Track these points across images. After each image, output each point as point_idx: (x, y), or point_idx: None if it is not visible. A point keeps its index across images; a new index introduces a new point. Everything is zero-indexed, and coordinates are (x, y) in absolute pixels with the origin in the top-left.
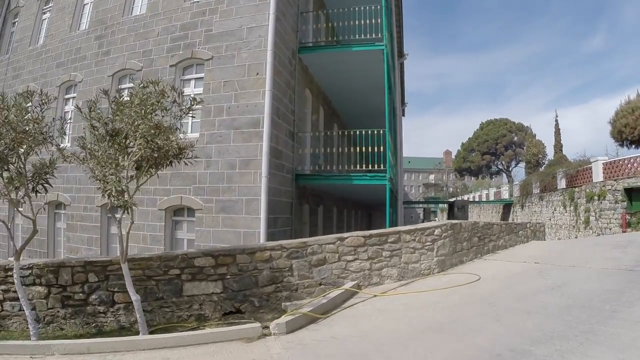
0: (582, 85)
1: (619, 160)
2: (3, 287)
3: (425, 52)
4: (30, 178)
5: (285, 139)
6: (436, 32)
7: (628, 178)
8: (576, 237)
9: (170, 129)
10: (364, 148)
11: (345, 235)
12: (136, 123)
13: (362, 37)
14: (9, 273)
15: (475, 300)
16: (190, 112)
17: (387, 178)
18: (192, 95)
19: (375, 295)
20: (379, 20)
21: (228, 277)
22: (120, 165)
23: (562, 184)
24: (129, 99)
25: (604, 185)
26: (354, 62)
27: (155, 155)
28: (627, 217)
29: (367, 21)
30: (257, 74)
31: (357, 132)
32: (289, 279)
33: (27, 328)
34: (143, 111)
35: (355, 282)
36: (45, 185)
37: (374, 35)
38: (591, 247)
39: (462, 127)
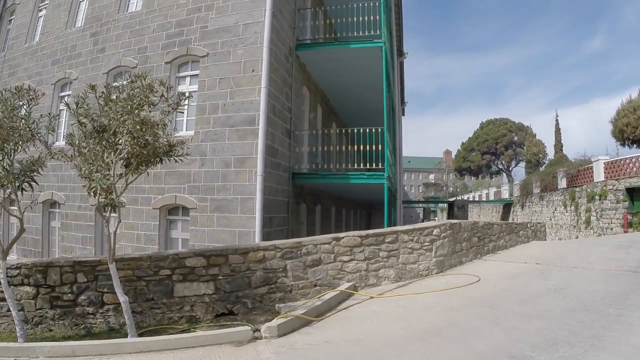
0: (581, 86)
1: (621, 159)
2: None
3: (425, 52)
4: (17, 175)
5: (282, 137)
6: (436, 32)
7: (630, 178)
8: (577, 237)
9: (158, 125)
10: (361, 147)
11: (341, 235)
12: (122, 119)
13: (361, 34)
14: None
15: (474, 303)
16: (179, 107)
17: (385, 177)
18: (181, 91)
19: (371, 297)
20: (378, 17)
21: (220, 277)
22: (105, 162)
23: (562, 183)
24: (117, 94)
25: (605, 185)
26: (352, 59)
27: (145, 152)
28: (629, 217)
29: (366, 18)
30: (253, 70)
31: (355, 131)
32: (283, 279)
33: (15, 329)
34: (130, 106)
35: (352, 283)
36: (31, 183)
37: (372, 33)
38: (593, 247)
39: (462, 127)
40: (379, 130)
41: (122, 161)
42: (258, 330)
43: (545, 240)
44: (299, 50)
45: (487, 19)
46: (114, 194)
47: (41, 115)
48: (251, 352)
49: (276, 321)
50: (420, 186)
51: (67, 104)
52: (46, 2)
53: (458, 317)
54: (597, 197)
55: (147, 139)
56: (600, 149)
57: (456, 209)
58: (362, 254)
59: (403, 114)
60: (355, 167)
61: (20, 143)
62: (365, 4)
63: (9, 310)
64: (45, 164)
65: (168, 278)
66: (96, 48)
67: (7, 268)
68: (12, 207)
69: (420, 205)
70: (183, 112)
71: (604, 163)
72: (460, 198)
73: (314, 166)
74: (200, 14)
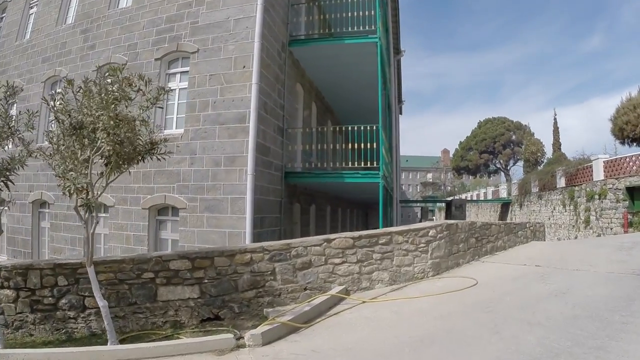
0: (579, 85)
1: (621, 158)
2: None
3: (423, 51)
4: None
5: (274, 135)
6: (434, 31)
7: (630, 176)
8: (576, 237)
9: (135, 121)
10: (356, 145)
11: (332, 236)
12: (97, 114)
13: (355, 29)
14: None
15: (471, 309)
16: (158, 102)
17: (381, 176)
18: (171, 87)
19: (364, 302)
20: (373, 12)
21: (206, 281)
22: (79, 160)
23: (561, 182)
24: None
25: (604, 184)
26: (346, 55)
27: (125, 149)
28: (629, 216)
29: (361, 13)
30: (244, 66)
31: (350, 128)
32: (272, 283)
33: None
34: (105, 101)
35: (343, 286)
36: (7, 182)
37: (367, 28)
38: (594, 248)
39: (460, 126)
40: (374, 127)
41: (102, 159)
42: (242, 337)
43: (545, 240)
44: (292, 46)
45: (485, 17)
46: (90, 193)
47: (19, 112)
48: None
49: (261, 328)
50: (418, 185)
51: (44, 100)
52: None
53: (454, 324)
54: (596, 197)
55: (124, 136)
56: (598, 147)
57: (454, 209)
58: (354, 256)
59: (400, 113)
60: (350, 165)
61: None
62: None
63: None
64: (25, 163)
65: (151, 281)
66: (86, 45)
67: None
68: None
69: (418, 204)
70: (162, 108)
71: (604, 162)
72: (458, 197)
73: (308, 165)
74: (191, 9)
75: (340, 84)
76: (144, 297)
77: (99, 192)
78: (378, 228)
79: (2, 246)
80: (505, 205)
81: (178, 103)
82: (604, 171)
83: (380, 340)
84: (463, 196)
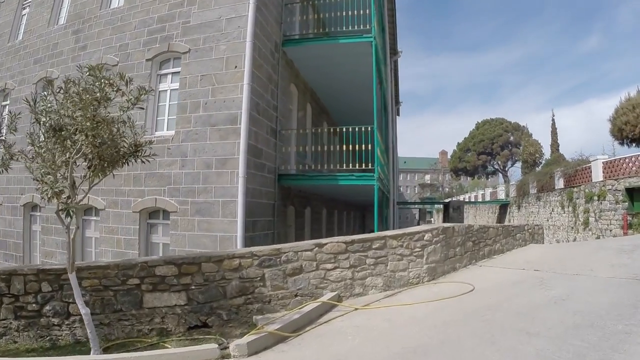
0: (577, 86)
1: (620, 159)
2: None
3: (420, 52)
4: None
5: (267, 137)
6: (432, 32)
7: (629, 177)
8: (575, 239)
9: (114, 122)
10: (350, 146)
11: (324, 241)
12: (74, 115)
13: (350, 28)
14: None
15: (467, 317)
16: (138, 102)
17: (376, 178)
18: (162, 89)
19: (356, 309)
20: (368, 11)
21: (193, 287)
22: (56, 164)
23: (560, 183)
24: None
25: (604, 185)
26: (341, 55)
27: (109, 152)
28: (629, 218)
29: (355, 12)
30: (236, 67)
31: (344, 130)
32: (261, 289)
33: None
34: (84, 102)
35: (335, 293)
36: None
37: (362, 27)
38: (594, 251)
39: (459, 127)
40: (369, 129)
41: (85, 162)
42: (227, 347)
43: (543, 243)
44: (286, 46)
45: (483, 18)
46: (71, 197)
47: (0, 113)
48: None
49: (247, 338)
50: (416, 187)
51: (27, 101)
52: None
53: (449, 334)
54: (595, 198)
55: (103, 138)
56: (597, 148)
57: (452, 210)
58: (347, 262)
59: (398, 114)
60: (344, 167)
61: None
62: None
63: None
64: (9, 167)
65: (137, 288)
66: (77, 46)
67: None
68: None
69: (416, 206)
70: (143, 109)
71: (603, 163)
72: (455, 199)
73: (301, 167)
74: (182, 8)
75: (335, 85)
76: (129, 304)
77: (81, 196)
78: (375, 231)
79: None
80: (504, 207)
81: (169, 104)
82: (603, 172)
83: (371, 352)
84: (461, 198)
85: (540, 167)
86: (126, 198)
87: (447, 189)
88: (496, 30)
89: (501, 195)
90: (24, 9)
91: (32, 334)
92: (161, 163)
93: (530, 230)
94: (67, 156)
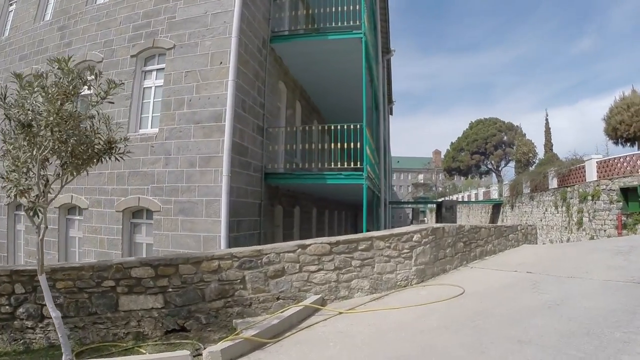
0: (570, 87)
1: (614, 158)
2: None
3: (416, 53)
4: None
5: (253, 135)
6: (427, 33)
7: (624, 177)
8: (568, 239)
9: (81, 117)
10: (339, 144)
11: (307, 242)
12: (39, 110)
13: (340, 24)
14: None
15: (456, 323)
16: (108, 96)
17: (365, 177)
18: (147, 85)
19: (340, 313)
20: (358, 6)
21: (170, 290)
22: (21, 161)
23: (553, 183)
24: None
25: (598, 185)
26: (331, 52)
27: (82, 149)
28: (623, 218)
29: (346, 8)
30: (221, 63)
31: (333, 127)
32: (242, 292)
33: None
34: (49, 96)
35: (320, 296)
36: None
37: (352, 23)
38: (589, 252)
39: (453, 127)
40: (358, 126)
41: (57, 160)
42: (201, 354)
43: (537, 243)
44: (274, 43)
45: (477, 19)
46: (40, 196)
47: None
48: None
49: (221, 344)
50: (409, 186)
51: None
52: None
53: (436, 341)
54: (589, 198)
55: (69, 133)
56: (590, 148)
57: (444, 210)
58: (331, 263)
59: (391, 113)
60: (333, 166)
61: None
62: None
63: None
64: None
65: (112, 290)
66: (63, 42)
67: None
68: None
69: (409, 206)
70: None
71: (597, 162)
72: (448, 198)
73: (289, 165)
74: (168, 4)
75: (326, 83)
76: (104, 307)
77: (52, 195)
78: (370, 230)
79: None
80: (497, 207)
81: (154, 102)
82: (597, 172)
83: None
84: (454, 197)
85: (533, 167)
86: (109, 197)
87: (440, 189)
88: (491, 31)
89: (494, 195)
90: (11, 5)
91: (6, 337)
92: (145, 161)
93: (523, 231)
94: (35, 153)
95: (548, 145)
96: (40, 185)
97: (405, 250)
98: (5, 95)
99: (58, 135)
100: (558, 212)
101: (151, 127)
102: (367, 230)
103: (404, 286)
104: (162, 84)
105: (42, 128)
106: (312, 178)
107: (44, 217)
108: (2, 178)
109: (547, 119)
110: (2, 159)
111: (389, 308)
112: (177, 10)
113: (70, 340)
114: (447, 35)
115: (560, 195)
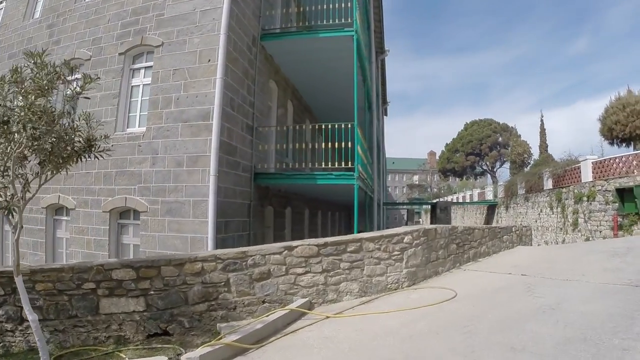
0: (565, 88)
1: (610, 159)
2: None
3: (412, 54)
4: None
5: (242, 134)
6: (422, 34)
7: (619, 178)
8: (563, 241)
9: (54, 113)
10: (330, 144)
11: (294, 243)
12: (10, 105)
13: (331, 22)
14: None
15: (447, 328)
16: (83, 92)
17: (356, 177)
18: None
19: (327, 317)
20: (350, 4)
21: (152, 292)
22: None
23: (548, 184)
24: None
25: (593, 186)
26: (322, 50)
27: (60, 147)
28: (619, 219)
29: (337, 5)
30: (209, 60)
31: (324, 127)
32: (226, 295)
33: None
34: (22, 91)
35: (307, 299)
36: None
37: (344, 21)
38: (585, 254)
39: (448, 128)
40: (349, 126)
41: (35, 158)
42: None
43: (531, 245)
44: (265, 41)
45: (473, 20)
46: (15, 196)
47: None
48: None
49: (200, 350)
50: (404, 187)
51: None
52: None
53: (425, 347)
54: (585, 198)
55: (42, 130)
56: (585, 149)
57: (439, 211)
58: (319, 266)
59: (385, 114)
60: (324, 166)
61: None
62: None
63: None
64: None
65: (93, 292)
66: (51, 40)
67: None
68: None
69: (404, 207)
70: (89, 98)
71: (592, 163)
72: (443, 199)
73: (279, 165)
74: (157, 1)
75: (317, 82)
76: (84, 310)
77: (30, 195)
78: (364, 232)
79: None
80: (492, 208)
81: (142, 100)
82: (593, 172)
83: None
84: (449, 198)
85: (528, 168)
86: (96, 197)
87: (435, 190)
88: (486, 33)
89: (489, 196)
90: (1, 2)
91: None
92: (132, 161)
93: (517, 232)
94: (9, 149)
95: (543, 146)
96: (18, 184)
97: (396, 252)
98: None
99: (32, 132)
100: (553, 213)
101: (139, 126)
102: (359, 232)
103: (395, 289)
104: (150, 82)
105: (15, 124)
106: (303, 178)
107: (20, 216)
108: None
109: (542, 120)
110: None
111: (378, 312)
112: (166, 8)
113: (50, 343)
114: (443, 36)
115: (555, 196)
